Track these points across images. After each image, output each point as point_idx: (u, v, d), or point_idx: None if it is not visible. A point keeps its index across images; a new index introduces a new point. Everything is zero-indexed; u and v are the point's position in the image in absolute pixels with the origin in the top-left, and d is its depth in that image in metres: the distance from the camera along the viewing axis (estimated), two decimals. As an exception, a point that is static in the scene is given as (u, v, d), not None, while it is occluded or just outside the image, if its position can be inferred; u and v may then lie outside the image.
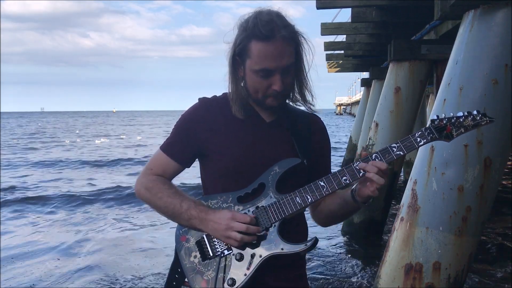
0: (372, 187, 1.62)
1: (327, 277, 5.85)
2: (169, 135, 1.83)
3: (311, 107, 1.81)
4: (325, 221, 1.88)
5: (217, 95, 1.85)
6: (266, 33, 1.62)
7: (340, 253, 6.90)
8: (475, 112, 1.62)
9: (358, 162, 1.66)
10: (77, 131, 44.58)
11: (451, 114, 1.63)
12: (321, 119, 1.91)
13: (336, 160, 17.41)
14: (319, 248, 6.87)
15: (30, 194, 11.90)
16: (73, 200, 11.09)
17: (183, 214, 1.71)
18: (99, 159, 20.09)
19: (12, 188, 12.76)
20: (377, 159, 1.63)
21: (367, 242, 7.14)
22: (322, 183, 1.67)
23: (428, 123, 1.65)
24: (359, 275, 5.99)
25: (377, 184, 1.61)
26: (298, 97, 1.79)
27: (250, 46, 1.66)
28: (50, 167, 17.75)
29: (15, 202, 10.95)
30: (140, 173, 1.84)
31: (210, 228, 1.68)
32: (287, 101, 1.81)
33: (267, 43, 1.63)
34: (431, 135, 1.63)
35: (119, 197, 11.42)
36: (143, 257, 6.81)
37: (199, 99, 1.83)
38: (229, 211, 1.68)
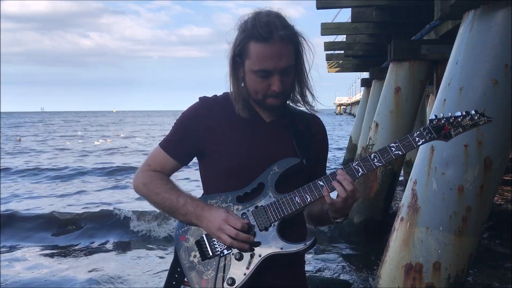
0: (336, 204, 1.63)
1: (326, 276, 5.85)
2: (168, 132, 1.83)
3: (311, 108, 1.82)
4: (306, 220, 1.89)
5: (218, 94, 1.85)
6: (264, 34, 1.62)
7: (340, 252, 6.90)
8: (473, 112, 1.63)
9: (357, 161, 1.66)
10: (79, 132, 44.59)
11: (450, 114, 1.64)
12: (321, 119, 1.91)
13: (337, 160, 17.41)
14: (319, 248, 6.88)
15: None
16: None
17: (180, 209, 1.72)
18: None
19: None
20: (376, 159, 1.64)
21: (367, 242, 7.15)
22: (321, 183, 1.67)
23: (427, 123, 1.65)
24: (358, 275, 5.99)
25: (340, 195, 1.62)
26: (298, 97, 1.80)
27: (249, 47, 1.66)
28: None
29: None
30: (139, 168, 1.84)
31: (204, 225, 1.70)
32: (287, 101, 1.81)
33: (265, 44, 1.63)
34: (430, 135, 1.63)
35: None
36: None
37: (200, 98, 1.83)
38: (224, 212, 1.68)
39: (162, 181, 1.78)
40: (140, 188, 1.80)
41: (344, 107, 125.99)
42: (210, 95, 1.86)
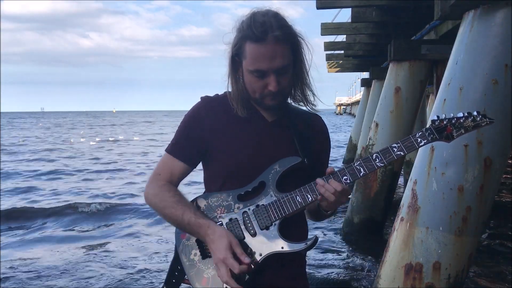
0: (325, 202, 1.67)
1: (326, 276, 5.85)
2: (173, 136, 1.83)
3: (313, 106, 1.82)
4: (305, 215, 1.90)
5: (219, 93, 1.84)
6: (258, 34, 1.62)
7: (340, 252, 6.91)
8: (475, 113, 1.63)
9: (359, 162, 1.66)
10: (81, 132, 44.55)
11: (452, 115, 1.64)
12: (323, 119, 1.91)
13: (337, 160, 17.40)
14: (319, 248, 6.88)
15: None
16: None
17: (185, 227, 1.72)
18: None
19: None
20: (377, 159, 1.64)
21: (367, 242, 7.15)
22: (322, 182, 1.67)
23: (429, 123, 1.65)
24: (358, 275, 5.99)
25: (329, 200, 1.64)
26: (300, 97, 1.80)
27: (245, 47, 1.67)
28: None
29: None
30: (149, 178, 1.83)
31: (210, 248, 1.68)
32: (288, 100, 1.81)
33: (259, 44, 1.63)
34: (432, 136, 1.64)
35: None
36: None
37: (202, 98, 1.84)
38: (224, 249, 1.61)
39: (170, 193, 1.75)
40: (150, 199, 1.79)
41: (344, 107, 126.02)
42: (210, 94, 1.86)
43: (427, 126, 1.65)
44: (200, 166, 1.87)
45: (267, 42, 1.63)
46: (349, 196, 1.72)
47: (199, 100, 1.83)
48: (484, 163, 3.30)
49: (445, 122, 1.63)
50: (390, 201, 7.45)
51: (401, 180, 10.20)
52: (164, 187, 1.77)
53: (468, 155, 3.30)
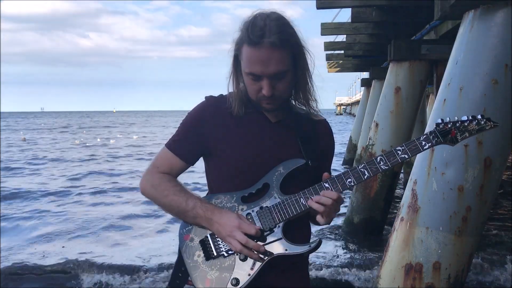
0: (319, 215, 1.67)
1: (326, 276, 5.85)
2: (174, 132, 1.83)
3: (316, 112, 1.82)
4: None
5: (223, 94, 1.84)
6: (254, 38, 1.61)
7: (340, 253, 6.91)
8: (479, 117, 1.63)
9: (363, 164, 1.66)
10: (84, 132, 44.53)
11: (456, 118, 1.65)
12: (327, 121, 1.91)
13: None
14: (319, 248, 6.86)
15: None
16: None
17: (189, 212, 1.72)
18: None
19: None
20: (382, 162, 1.65)
21: (367, 242, 7.15)
22: (326, 185, 1.67)
23: (433, 126, 1.66)
24: (359, 275, 5.99)
25: (322, 211, 1.64)
26: (302, 101, 1.79)
27: (242, 49, 1.67)
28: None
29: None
30: (146, 170, 1.83)
31: (215, 229, 1.70)
32: (293, 102, 1.81)
33: (254, 48, 1.63)
34: (436, 139, 1.64)
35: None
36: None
37: (206, 97, 1.83)
38: (236, 218, 1.67)
39: (171, 183, 1.77)
40: (148, 190, 1.79)
41: (344, 107, 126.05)
42: (208, 95, 1.86)
43: (432, 129, 1.66)
44: (202, 167, 1.87)
45: (261, 47, 1.61)
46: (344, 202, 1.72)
47: (203, 99, 1.83)
48: (484, 163, 3.31)
49: (449, 126, 1.64)
50: (390, 201, 7.46)
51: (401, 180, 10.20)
52: (165, 177, 1.78)
53: (468, 155, 3.30)
